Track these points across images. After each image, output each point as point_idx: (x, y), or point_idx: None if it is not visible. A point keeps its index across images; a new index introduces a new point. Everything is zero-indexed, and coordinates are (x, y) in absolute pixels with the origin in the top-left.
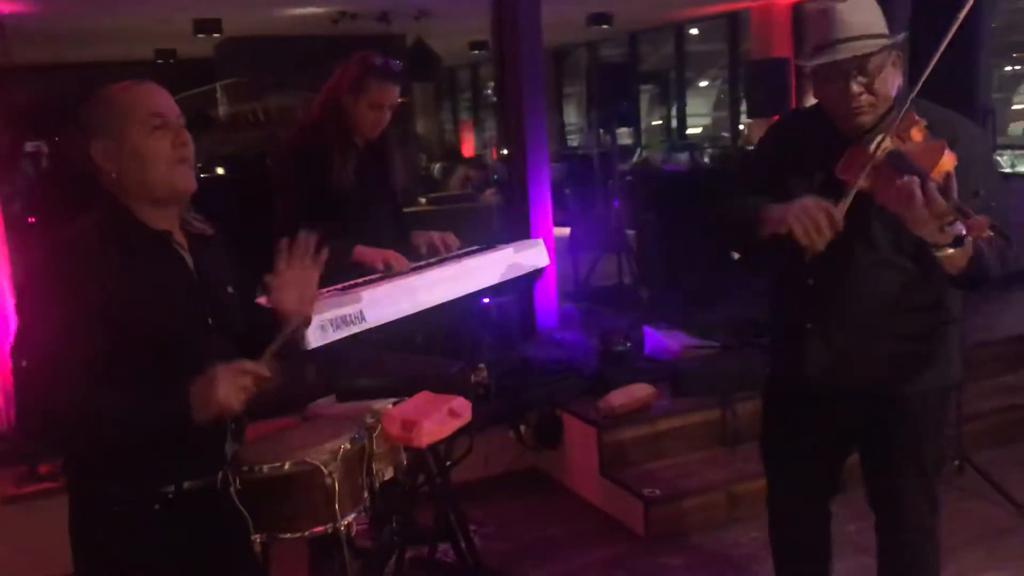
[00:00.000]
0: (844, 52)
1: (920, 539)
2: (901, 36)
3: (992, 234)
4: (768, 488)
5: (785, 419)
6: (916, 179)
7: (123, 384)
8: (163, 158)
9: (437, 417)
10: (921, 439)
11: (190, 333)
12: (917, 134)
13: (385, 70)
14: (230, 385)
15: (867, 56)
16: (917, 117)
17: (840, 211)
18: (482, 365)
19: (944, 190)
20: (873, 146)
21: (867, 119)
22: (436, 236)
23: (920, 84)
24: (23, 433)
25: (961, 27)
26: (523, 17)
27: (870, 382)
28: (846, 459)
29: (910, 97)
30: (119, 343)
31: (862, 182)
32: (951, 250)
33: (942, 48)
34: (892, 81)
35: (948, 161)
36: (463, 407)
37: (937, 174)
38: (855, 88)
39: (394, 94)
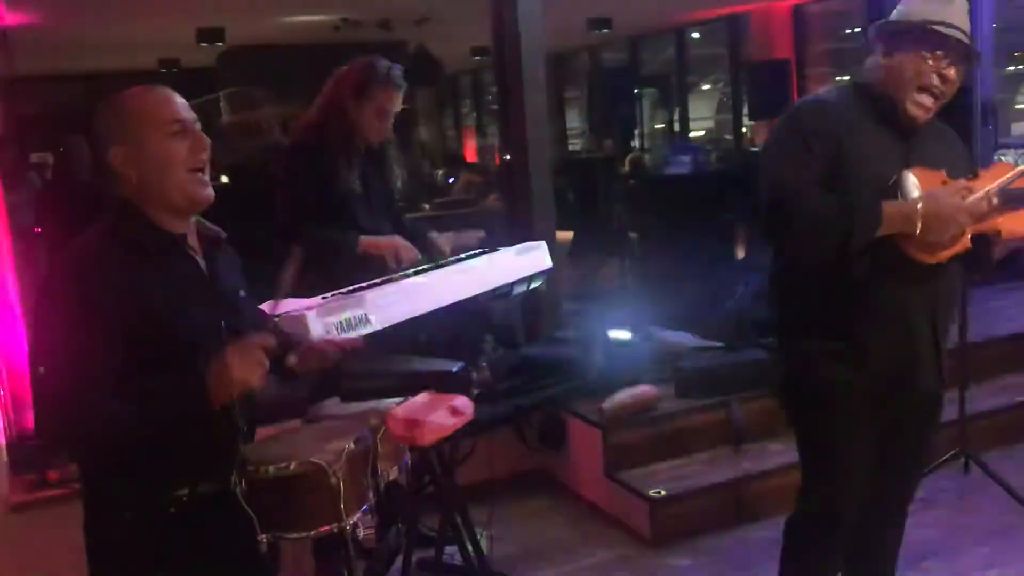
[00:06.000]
0: (957, 34)
1: (903, 519)
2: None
3: None
4: (841, 492)
5: (859, 418)
6: None
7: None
8: (182, 163)
9: (440, 415)
10: (939, 422)
11: (204, 337)
12: None
13: (389, 77)
14: (243, 362)
15: (964, 50)
16: None
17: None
18: (484, 364)
19: None
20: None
21: (932, 106)
22: (469, 236)
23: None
24: (43, 439)
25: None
26: (524, 22)
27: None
28: None
29: None
30: (134, 347)
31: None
32: None
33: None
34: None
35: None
36: (465, 405)
37: None
38: (943, 66)
39: (398, 100)
